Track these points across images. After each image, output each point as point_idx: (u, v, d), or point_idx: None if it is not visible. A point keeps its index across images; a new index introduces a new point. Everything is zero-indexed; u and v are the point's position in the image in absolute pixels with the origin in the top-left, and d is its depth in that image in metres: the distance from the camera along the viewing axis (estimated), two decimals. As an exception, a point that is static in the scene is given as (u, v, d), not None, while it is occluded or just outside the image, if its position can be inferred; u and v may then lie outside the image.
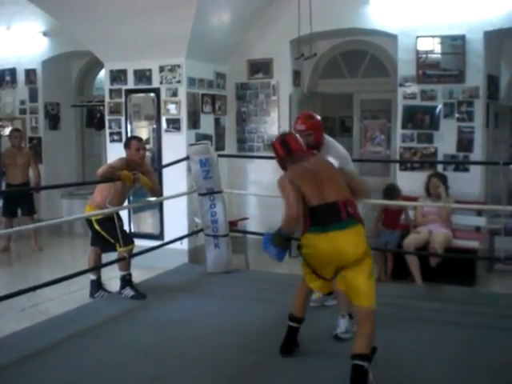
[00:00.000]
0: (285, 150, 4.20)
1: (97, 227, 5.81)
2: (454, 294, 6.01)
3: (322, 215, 3.88)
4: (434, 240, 6.56)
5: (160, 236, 7.63)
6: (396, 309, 5.20)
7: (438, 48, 7.19)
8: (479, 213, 7.18)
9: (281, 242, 4.04)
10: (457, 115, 7.16)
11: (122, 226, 5.90)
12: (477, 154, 7.14)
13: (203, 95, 7.80)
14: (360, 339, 3.69)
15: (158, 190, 6.24)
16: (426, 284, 6.41)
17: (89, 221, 5.89)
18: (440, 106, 7.22)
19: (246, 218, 8.07)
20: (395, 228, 6.94)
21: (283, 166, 4.28)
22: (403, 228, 7.04)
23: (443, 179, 6.85)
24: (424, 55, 7.24)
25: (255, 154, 8.24)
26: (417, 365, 4.14)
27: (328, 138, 5.11)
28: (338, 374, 3.83)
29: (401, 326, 4.84)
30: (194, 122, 7.62)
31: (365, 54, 8.36)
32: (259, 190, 8.19)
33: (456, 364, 4.13)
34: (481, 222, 7.17)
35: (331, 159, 4.44)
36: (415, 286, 6.41)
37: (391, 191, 6.91)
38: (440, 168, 7.21)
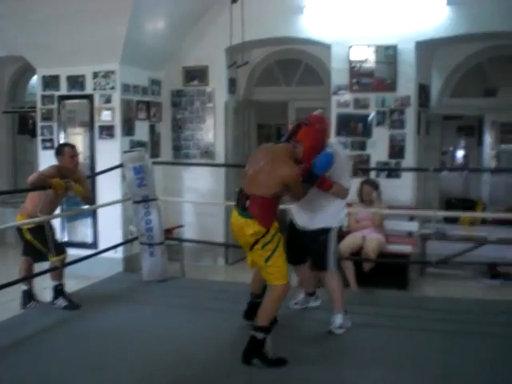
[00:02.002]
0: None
1: (28, 236, 5.68)
2: (387, 298, 6.13)
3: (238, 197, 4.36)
4: (368, 245, 6.70)
5: (94, 245, 7.52)
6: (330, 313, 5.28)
7: (371, 57, 7.36)
8: (411, 218, 7.37)
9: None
10: (389, 123, 7.34)
11: (54, 234, 5.79)
12: (408, 160, 7.32)
13: (138, 102, 7.76)
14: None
15: (90, 198, 6.15)
16: (360, 289, 6.53)
17: (20, 230, 5.74)
18: (373, 114, 7.38)
19: (181, 226, 8.06)
20: None
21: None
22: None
23: (375, 186, 7.01)
24: (357, 64, 7.40)
25: (191, 161, 8.24)
26: (353, 367, 4.20)
27: (334, 144, 5.10)
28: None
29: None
30: (128, 129, 7.56)
31: (299, 63, 8.46)
32: (195, 198, 8.19)
33: (391, 366, 4.22)
34: (413, 227, 7.36)
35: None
36: (350, 290, 6.52)
37: None
38: (373, 175, 7.37)
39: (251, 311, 4.79)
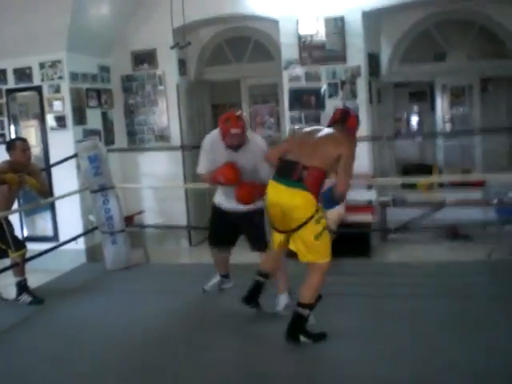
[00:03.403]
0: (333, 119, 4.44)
1: (-15, 234, 5.62)
2: (352, 266, 6.23)
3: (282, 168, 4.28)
4: (328, 217, 6.77)
5: (55, 238, 7.47)
6: (298, 285, 5.35)
7: (319, 30, 7.37)
8: (369, 187, 7.45)
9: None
10: (341, 94, 7.40)
11: (12, 230, 5.74)
12: (362, 130, 7.21)
13: (88, 90, 7.68)
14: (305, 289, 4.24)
15: (46, 191, 6.10)
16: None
17: (-24, 228, 5.68)
18: (324, 87, 7.43)
19: (141, 212, 8.04)
20: None
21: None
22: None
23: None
24: (307, 38, 7.41)
25: (146, 146, 8.21)
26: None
27: (251, 135, 5.08)
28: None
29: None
30: (80, 118, 7.49)
31: (249, 40, 8.45)
32: (153, 183, 8.17)
33: (360, 333, 4.32)
34: (371, 195, 7.42)
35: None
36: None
37: None
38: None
39: (255, 293, 4.67)
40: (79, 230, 7.26)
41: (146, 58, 8.12)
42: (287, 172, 4.14)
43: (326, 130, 4.32)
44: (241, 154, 4.80)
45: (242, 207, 4.88)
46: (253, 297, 4.64)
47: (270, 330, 4.48)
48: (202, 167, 5.03)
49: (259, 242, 4.95)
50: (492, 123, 8.38)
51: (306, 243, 4.14)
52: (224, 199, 5.04)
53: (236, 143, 4.74)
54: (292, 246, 4.25)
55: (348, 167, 4.17)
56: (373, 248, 7.09)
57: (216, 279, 5.47)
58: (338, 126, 4.35)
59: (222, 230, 5.12)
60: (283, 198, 4.11)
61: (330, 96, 7.41)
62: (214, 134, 4.95)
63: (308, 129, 4.47)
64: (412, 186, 7.84)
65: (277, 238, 4.36)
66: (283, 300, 4.86)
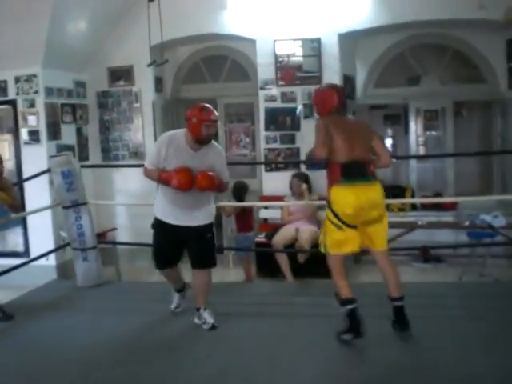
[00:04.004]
0: (339, 99, 4.37)
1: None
2: (324, 287, 6.13)
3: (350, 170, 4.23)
4: (301, 237, 6.82)
5: (26, 253, 7.43)
6: (270, 306, 5.39)
7: (296, 51, 7.50)
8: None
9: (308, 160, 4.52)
10: (316, 115, 7.41)
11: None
12: None
13: (63, 105, 7.68)
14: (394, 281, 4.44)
15: (18, 206, 6.03)
16: (296, 280, 6.64)
17: None
18: (300, 107, 7.51)
19: (114, 229, 7.99)
20: (248, 230, 6.96)
21: (322, 115, 4.44)
22: (266, 228, 7.26)
23: (305, 178, 7.13)
24: (284, 58, 7.52)
25: (120, 162, 8.19)
26: (291, 358, 4.25)
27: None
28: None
29: (274, 322, 4.98)
30: (54, 133, 7.49)
31: (226, 59, 8.54)
32: (127, 199, 8.14)
33: (329, 355, 4.31)
34: None
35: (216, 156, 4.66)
36: (286, 283, 6.62)
37: (239, 191, 6.89)
38: (304, 167, 7.47)
39: (401, 317, 4.55)
40: (50, 245, 7.21)
41: (122, 74, 8.16)
42: (361, 170, 4.25)
43: (352, 120, 4.58)
44: (201, 156, 4.61)
45: (194, 223, 4.66)
46: (403, 320, 4.55)
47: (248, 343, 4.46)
48: (151, 162, 4.68)
49: (209, 259, 4.77)
50: (465, 146, 8.49)
51: (385, 229, 4.41)
52: (171, 213, 4.69)
53: (211, 134, 4.56)
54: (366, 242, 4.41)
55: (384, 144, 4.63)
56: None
57: (176, 298, 5.29)
58: (343, 109, 4.46)
59: (170, 249, 4.83)
60: (371, 195, 4.26)
61: (306, 117, 7.51)
62: (179, 133, 4.67)
63: (338, 121, 4.37)
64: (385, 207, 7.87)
65: (355, 238, 4.35)
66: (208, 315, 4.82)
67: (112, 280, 6.98)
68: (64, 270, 7.36)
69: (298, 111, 7.48)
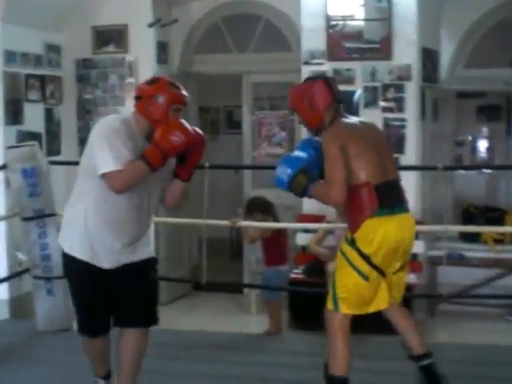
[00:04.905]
0: (332, 95, 4.27)
1: None
2: (385, 348, 6.07)
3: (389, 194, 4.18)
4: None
5: (-33, 281, 7.44)
6: (305, 371, 5.26)
7: (356, 12, 7.48)
8: (415, 235, 7.40)
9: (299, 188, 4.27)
10: (382, 104, 7.47)
11: None
12: (409, 155, 7.44)
13: (28, 76, 7.72)
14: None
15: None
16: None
17: None
18: (359, 92, 7.50)
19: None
20: (281, 262, 6.94)
21: (316, 123, 4.34)
22: (305, 259, 7.29)
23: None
24: (339, 22, 7.51)
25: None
26: None
27: None
28: None
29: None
30: (14, 115, 7.53)
31: (257, 20, 8.56)
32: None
33: None
34: (417, 247, 7.27)
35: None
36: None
37: (268, 207, 6.92)
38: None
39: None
40: (2, 272, 7.23)
41: (112, 37, 8.20)
42: (398, 194, 4.27)
43: (361, 122, 4.42)
44: None
45: (136, 256, 4.25)
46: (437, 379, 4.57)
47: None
48: (120, 159, 3.93)
49: (153, 311, 4.41)
50: None
51: (404, 285, 4.46)
52: (102, 250, 4.16)
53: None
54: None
55: None
56: (416, 322, 6.98)
57: None
58: (340, 107, 4.41)
59: (101, 304, 4.33)
60: (410, 230, 4.28)
61: (367, 105, 7.50)
62: (128, 120, 4.19)
63: (349, 128, 4.31)
64: (475, 238, 7.84)
65: (383, 290, 4.28)
66: None
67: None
68: (19, 307, 7.39)
69: (356, 96, 7.47)
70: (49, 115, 8.14)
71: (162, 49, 8.43)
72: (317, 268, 7.12)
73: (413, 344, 4.50)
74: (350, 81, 7.52)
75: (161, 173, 4.05)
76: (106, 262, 4.11)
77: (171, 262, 8.35)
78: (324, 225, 7.24)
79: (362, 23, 7.48)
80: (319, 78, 4.60)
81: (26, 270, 6.77)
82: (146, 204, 4.13)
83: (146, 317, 4.34)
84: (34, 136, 7.68)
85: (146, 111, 4.08)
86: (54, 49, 8.18)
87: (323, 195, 4.16)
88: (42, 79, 7.98)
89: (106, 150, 3.89)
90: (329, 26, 7.53)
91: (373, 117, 7.29)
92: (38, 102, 7.93)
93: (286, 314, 7.24)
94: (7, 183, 6.84)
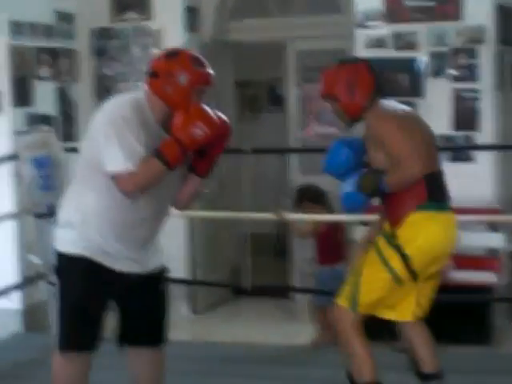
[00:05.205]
0: (375, 81, 4.43)
1: None
2: (460, 358, 6.06)
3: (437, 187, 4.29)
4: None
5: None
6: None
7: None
8: (493, 228, 7.26)
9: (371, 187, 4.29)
10: (451, 72, 7.32)
11: None
12: (485, 133, 7.31)
13: (38, 50, 7.71)
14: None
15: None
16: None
17: None
18: (425, 59, 7.37)
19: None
20: (336, 261, 6.90)
21: (357, 111, 4.42)
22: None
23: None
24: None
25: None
26: None
27: None
28: None
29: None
30: (22, 96, 7.52)
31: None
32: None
33: None
34: (497, 241, 7.23)
35: None
36: (394, 348, 6.37)
37: (320, 196, 6.95)
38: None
39: None
40: (14, 279, 7.25)
41: (133, 2, 8.17)
42: (445, 190, 4.35)
43: (410, 111, 4.61)
44: None
45: (150, 265, 4.21)
46: None
47: None
48: (132, 157, 3.80)
49: (161, 329, 4.41)
50: None
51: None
52: (112, 249, 4.11)
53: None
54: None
55: None
56: (496, 329, 6.94)
57: None
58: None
59: (99, 314, 4.30)
60: (454, 232, 4.37)
61: (435, 74, 7.39)
62: (140, 102, 4.08)
63: (398, 112, 4.44)
64: None
65: (410, 296, 4.37)
66: None
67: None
68: (34, 318, 7.37)
69: (421, 64, 7.36)
70: (62, 95, 8.13)
71: (192, 14, 8.38)
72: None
73: (427, 359, 4.58)
74: (414, 46, 7.44)
75: (180, 168, 3.96)
76: (117, 263, 4.05)
77: (207, 264, 8.36)
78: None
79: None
80: (359, 61, 4.77)
81: (41, 276, 6.70)
82: (161, 204, 4.06)
83: (160, 334, 4.37)
84: (45, 119, 7.67)
85: (163, 92, 3.95)
86: (66, 17, 8.17)
87: (401, 175, 4.13)
88: (54, 53, 7.97)
89: (115, 145, 3.76)
90: (387, -18, 7.51)
91: (441, 88, 7.33)
92: (49, 80, 7.93)
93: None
94: (18, 175, 6.79)
